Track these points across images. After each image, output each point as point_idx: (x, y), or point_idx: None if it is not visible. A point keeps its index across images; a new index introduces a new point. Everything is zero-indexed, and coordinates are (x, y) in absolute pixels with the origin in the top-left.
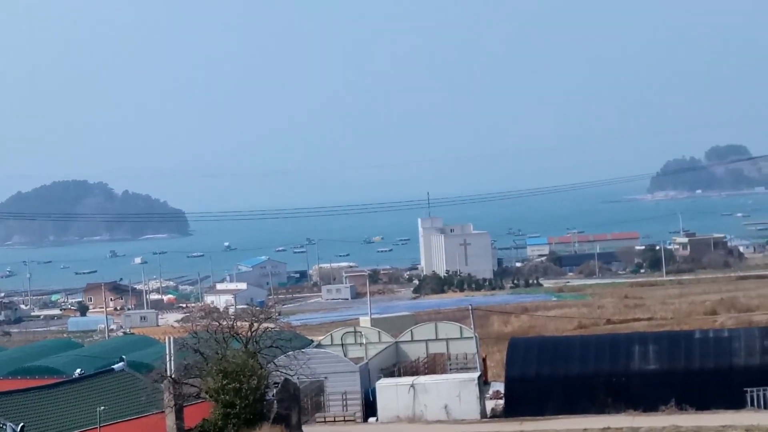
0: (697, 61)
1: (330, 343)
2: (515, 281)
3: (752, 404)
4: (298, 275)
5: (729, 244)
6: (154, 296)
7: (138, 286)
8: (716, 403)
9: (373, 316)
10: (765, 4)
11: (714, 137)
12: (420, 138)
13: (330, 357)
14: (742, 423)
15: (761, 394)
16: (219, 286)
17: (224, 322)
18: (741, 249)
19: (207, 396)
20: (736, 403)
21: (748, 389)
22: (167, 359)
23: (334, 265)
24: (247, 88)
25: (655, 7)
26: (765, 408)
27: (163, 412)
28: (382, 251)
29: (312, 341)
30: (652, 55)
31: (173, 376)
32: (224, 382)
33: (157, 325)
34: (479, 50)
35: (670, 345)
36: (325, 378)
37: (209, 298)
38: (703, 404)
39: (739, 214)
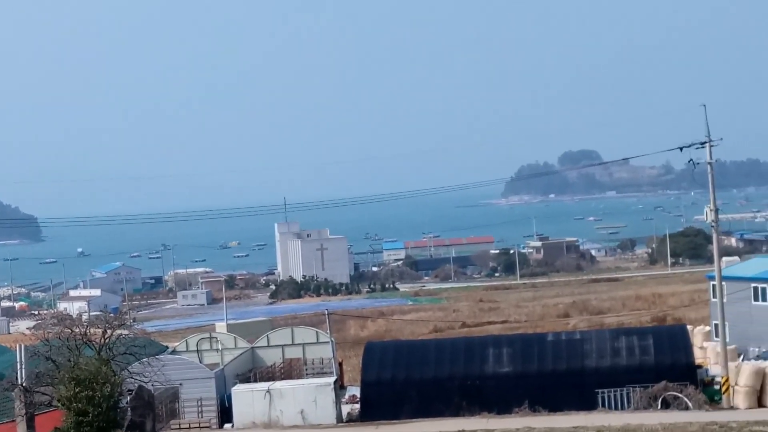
0: (550, 68)
1: (185, 349)
2: (372, 285)
3: (603, 405)
4: (153, 281)
5: (581, 247)
6: (6, 303)
7: None
8: (568, 405)
9: (229, 322)
10: (609, 14)
11: (567, 143)
12: (279, 143)
13: (185, 363)
14: (593, 424)
15: (612, 395)
16: (72, 293)
17: (77, 329)
18: (593, 252)
19: (59, 404)
20: (588, 404)
21: (599, 390)
22: (18, 367)
23: (190, 270)
24: (98, 92)
25: (506, 18)
26: (615, 409)
27: (14, 421)
28: (238, 256)
29: (167, 347)
30: (505, 63)
31: (24, 384)
32: (77, 390)
33: (9, 333)
34: (334, 59)
35: (524, 347)
36: (180, 384)
37: (62, 305)
38: (555, 406)
39: (591, 218)
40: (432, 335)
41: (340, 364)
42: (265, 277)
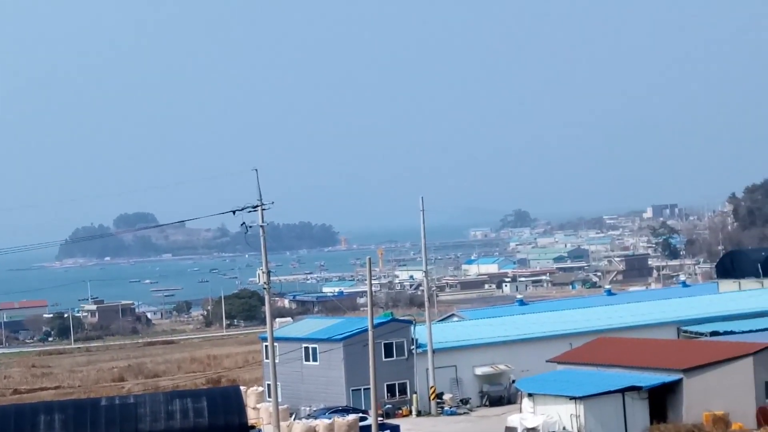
0: (108, 130)
1: None
2: None
3: None
4: None
5: (137, 310)
6: None
7: None
8: None
9: None
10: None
11: (123, 205)
12: None
13: None
14: None
15: None
16: None
17: None
18: (149, 315)
19: None
20: None
21: None
22: None
23: None
24: None
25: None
26: None
27: None
28: None
29: None
30: (72, 123)
31: None
32: None
33: None
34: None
35: (77, 413)
36: None
37: None
38: None
39: (147, 281)
40: None
41: None
42: None
